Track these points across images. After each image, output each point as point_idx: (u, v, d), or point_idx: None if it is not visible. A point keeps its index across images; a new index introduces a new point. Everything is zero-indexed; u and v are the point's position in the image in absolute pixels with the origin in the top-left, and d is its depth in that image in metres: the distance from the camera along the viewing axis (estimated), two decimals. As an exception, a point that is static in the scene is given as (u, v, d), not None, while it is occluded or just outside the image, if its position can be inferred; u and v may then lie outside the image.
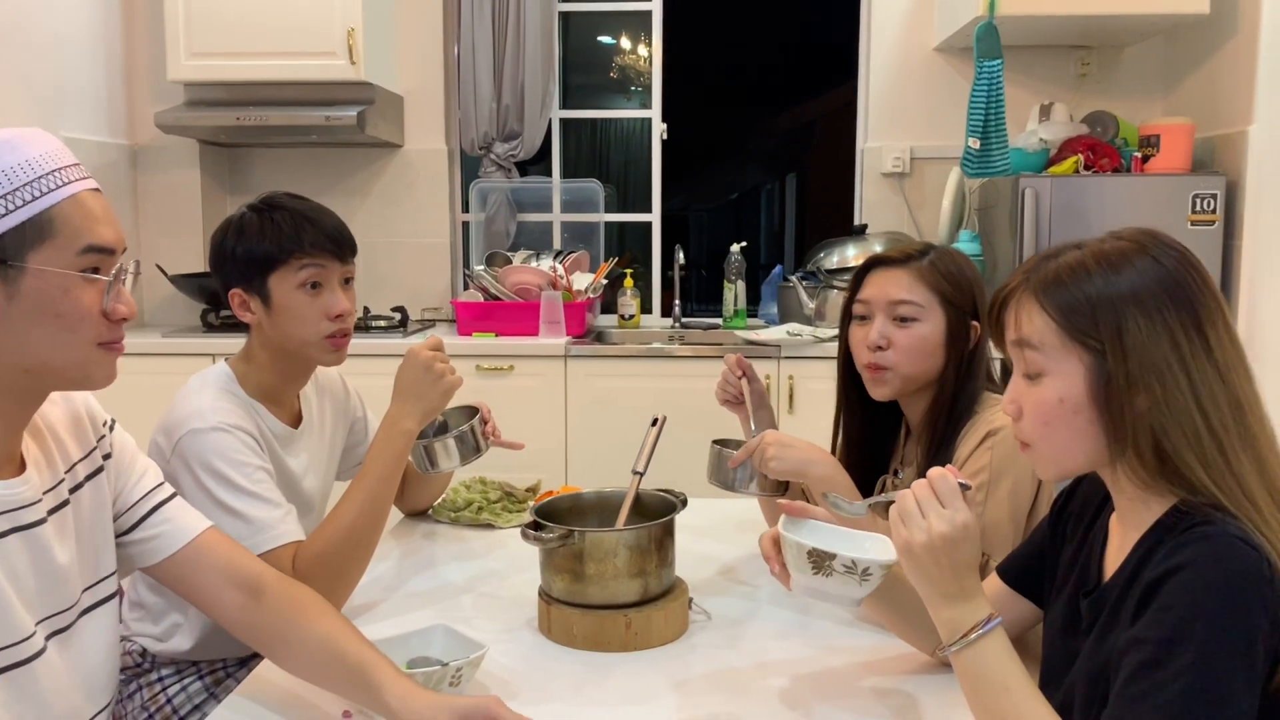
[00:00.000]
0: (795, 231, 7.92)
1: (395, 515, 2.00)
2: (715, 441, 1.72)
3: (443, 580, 1.70)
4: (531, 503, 1.86)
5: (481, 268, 3.75)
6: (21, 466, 1.09)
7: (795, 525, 1.23)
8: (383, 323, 3.68)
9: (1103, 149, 3.28)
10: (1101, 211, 3.17)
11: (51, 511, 1.11)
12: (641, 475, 1.59)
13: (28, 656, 1.04)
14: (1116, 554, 1.11)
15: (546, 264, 3.75)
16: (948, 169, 3.65)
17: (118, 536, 1.23)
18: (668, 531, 1.49)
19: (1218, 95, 3.32)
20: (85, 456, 1.19)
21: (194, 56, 3.54)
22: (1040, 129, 3.41)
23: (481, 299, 3.67)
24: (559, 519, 1.53)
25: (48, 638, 1.08)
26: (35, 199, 0.99)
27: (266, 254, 1.56)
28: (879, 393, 1.63)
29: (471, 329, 3.57)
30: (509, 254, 3.88)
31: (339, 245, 1.61)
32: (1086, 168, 3.26)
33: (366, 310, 3.77)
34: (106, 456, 1.23)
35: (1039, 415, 1.06)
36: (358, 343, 3.47)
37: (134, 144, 3.83)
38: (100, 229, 1.04)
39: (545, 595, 1.48)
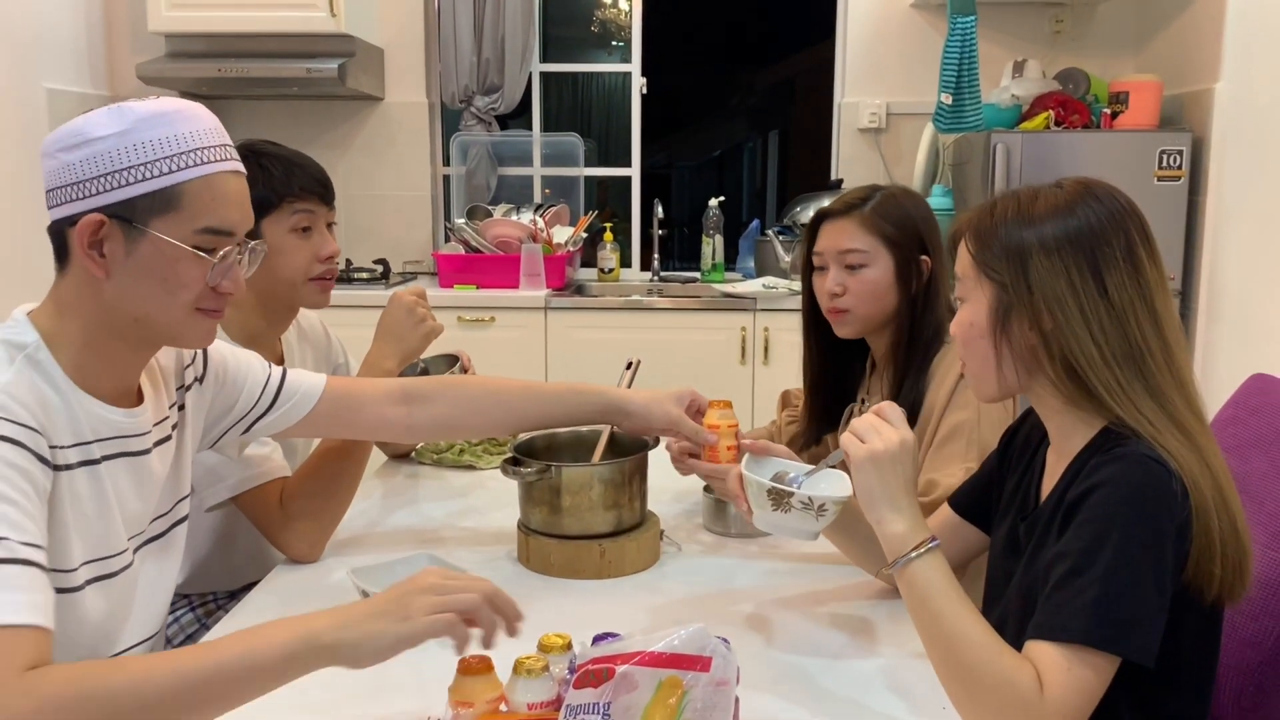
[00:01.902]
0: (777, 187, 7.96)
1: (379, 457, 2.07)
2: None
3: (425, 516, 1.77)
4: (512, 442, 1.93)
5: (462, 221, 3.79)
6: (139, 399, 1.20)
7: (758, 464, 1.32)
8: (365, 275, 3.72)
9: (1073, 105, 3.34)
10: (1071, 167, 3.22)
11: (157, 443, 1.22)
12: (616, 415, 1.66)
13: (121, 568, 1.17)
14: (1050, 479, 1.22)
15: (527, 218, 3.79)
16: (923, 124, 3.70)
17: (258, 419, 1.41)
18: (640, 467, 1.57)
19: (1186, 53, 3.38)
20: (181, 386, 1.31)
21: (175, 7, 3.54)
22: (1013, 85, 3.47)
23: (463, 252, 3.71)
24: (536, 455, 1.60)
25: (135, 551, 1.20)
26: (170, 172, 1.08)
27: (261, 198, 1.60)
28: (844, 332, 1.75)
29: (453, 281, 3.62)
30: (489, 207, 3.92)
31: (326, 189, 1.69)
32: (1057, 124, 3.33)
33: (349, 262, 3.81)
34: (199, 379, 1.33)
35: (959, 336, 1.20)
36: (340, 294, 3.51)
37: (115, 95, 3.83)
38: (224, 211, 1.12)
39: (524, 527, 1.56)
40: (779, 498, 1.21)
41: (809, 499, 1.20)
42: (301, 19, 3.53)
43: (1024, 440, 1.33)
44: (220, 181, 1.12)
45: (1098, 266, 1.10)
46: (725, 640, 1.01)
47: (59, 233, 1.10)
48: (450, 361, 1.88)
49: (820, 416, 1.86)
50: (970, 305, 1.17)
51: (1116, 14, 3.78)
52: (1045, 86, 3.47)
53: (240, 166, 1.16)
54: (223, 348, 1.38)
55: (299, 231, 1.65)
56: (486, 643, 1.01)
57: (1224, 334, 3.15)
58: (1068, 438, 1.17)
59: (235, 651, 0.95)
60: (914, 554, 1.10)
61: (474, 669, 1.00)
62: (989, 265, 1.13)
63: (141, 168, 1.07)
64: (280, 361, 1.77)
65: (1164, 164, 3.20)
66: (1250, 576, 1.12)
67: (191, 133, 1.10)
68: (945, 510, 1.42)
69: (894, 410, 1.18)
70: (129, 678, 0.92)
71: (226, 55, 3.58)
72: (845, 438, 1.17)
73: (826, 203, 3.63)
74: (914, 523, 1.13)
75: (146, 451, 1.19)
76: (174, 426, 1.27)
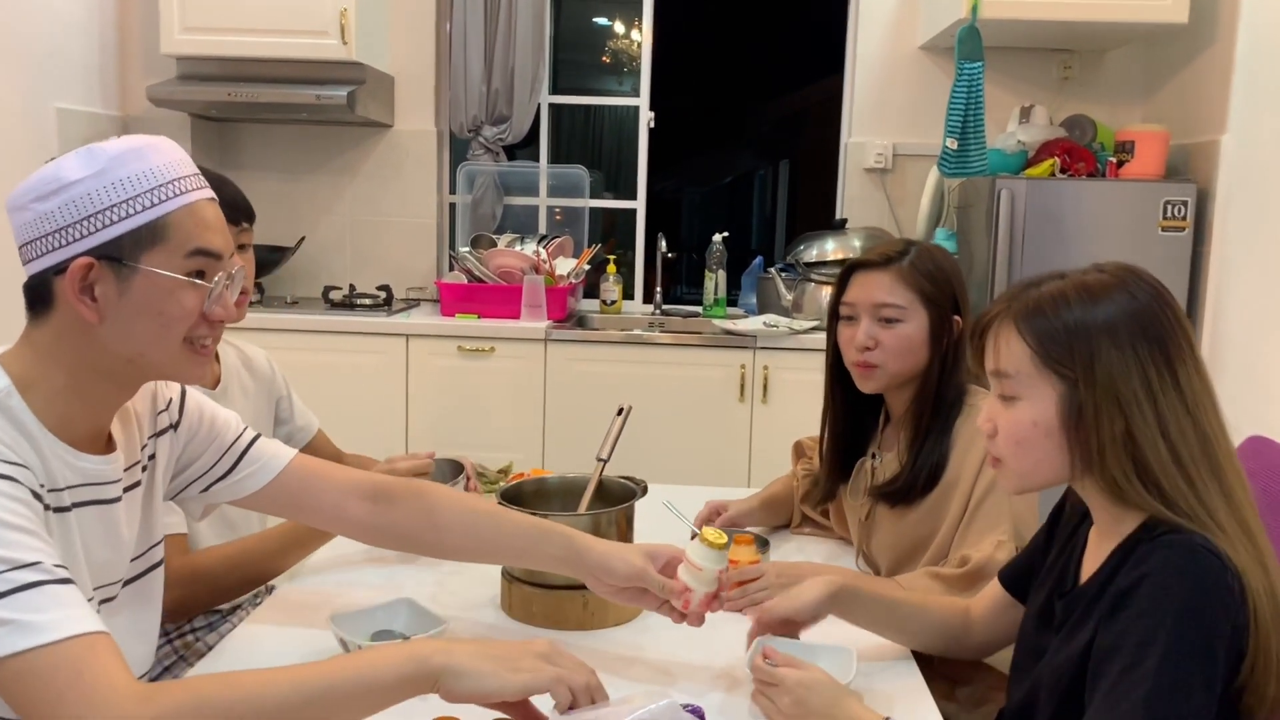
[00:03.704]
0: (786, 217, 7.96)
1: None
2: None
3: (408, 558, 1.75)
4: (503, 484, 1.92)
5: (466, 249, 3.80)
6: (109, 445, 1.18)
7: (770, 642, 1.32)
8: (367, 301, 3.73)
9: (1079, 153, 3.34)
10: (1076, 215, 3.24)
11: (126, 489, 1.20)
12: (605, 462, 1.65)
13: None
14: (1093, 561, 1.17)
15: (531, 248, 3.80)
16: (929, 166, 3.70)
17: (216, 481, 1.35)
18: (627, 517, 1.56)
19: (1193, 103, 3.38)
20: (156, 433, 1.28)
21: (187, 30, 3.56)
22: (1019, 131, 3.47)
23: (465, 280, 3.72)
24: (523, 502, 1.59)
25: (100, 604, 1.18)
26: (154, 205, 1.08)
27: None
28: (868, 387, 1.71)
29: (454, 310, 3.62)
30: (494, 236, 3.93)
31: (233, 210, 1.68)
32: (1062, 171, 3.32)
33: (352, 288, 3.81)
34: (173, 426, 1.31)
35: (1012, 436, 1.13)
36: (342, 320, 3.54)
37: (125, 116, 3.86)
38: (209, 235, 1.12)
39: (507, 574, 1.55)
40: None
41: None
42: (313, 45, 3.55)
43: (1069, 515, 1.29)
44: (201, 209, 1.12)
45: (1170, 358, 1.06)
46: (698, 709, 1.00)
47: (41, 283, 1.09)
48: (455, 469, 1.89)
49: (842, 471, 1.82)
50: (1029, 404, 1.10)
51: (1125, 62, 3.79)
52: (1052, 133, 3.47)
53: (213, 194, 1.16)
54: (203, 401, 1.36)
55: None
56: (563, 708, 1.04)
57: (1226, 388, 3.10)
58: (1117, 521, 1.12)
59: (350, 669, 0.99)
60: None
61: (444, 731, 0.99)
62: (1057, 361, 1.08)
63: (124, 205, 1.06)
64: (216, 382, 1.77)
65: (1168, 214, 3.19)
66: None
67: (165, 165, 1.10)
68: (995, 587, 1.40)
69: (762, 673, 1.17)
70: (246, 690, 0.95)
71: (237, 79, 3.60)
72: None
73: (830, 243, 3.70)
74: None
75: (117, 500, 1.18)
76: (144, 470, 1.25)
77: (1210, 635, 0.99)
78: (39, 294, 1.10)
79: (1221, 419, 1.09)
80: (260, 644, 1.42)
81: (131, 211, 1.07)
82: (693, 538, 1.35)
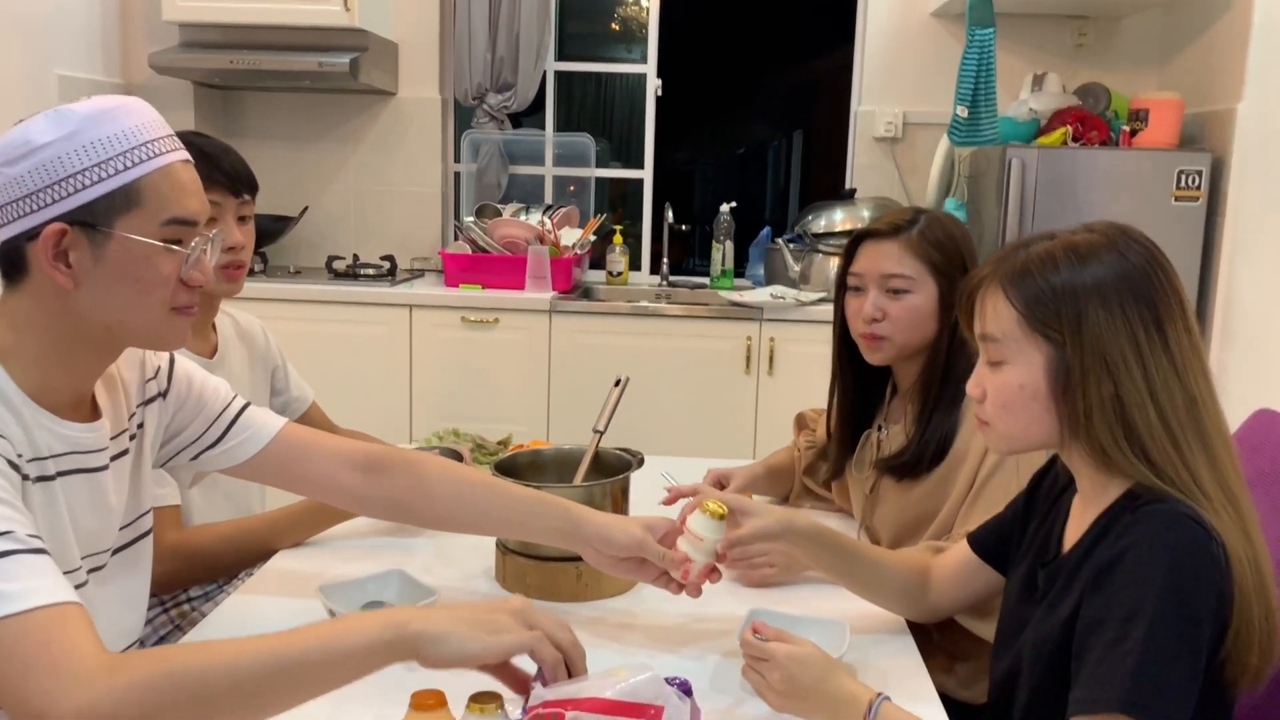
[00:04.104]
0: (800, 189, 7.89)
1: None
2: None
3: (402, 529, 1.74)
4: (501, 455, 1.91)
5: (471, 219, 3.77)
6: (94, 412, 1.16)
7: (762, 615, 1.32)
8: (371, 271, 3.71)
9: (1092, 121, 3.28)
10: (1088, 184, 3.19)
11: (114, 458, 1.18)
12: (601, 434, 1.63)
13: (75, 586, 1.12)
14: (1075, 529, 1.16)
15: (536, 218, 3.77)
16: (939, 135, 3.65)
17: (205, 450, 1.34)
18: (622, 489, 1.54)
19: (1209, 71, 3.31)
20: (144, 402, 1.26)
21: (189, -3, 3.53)
22: (1031, 99, 3.42)
23: (470, 251, 3.69)
24: (518, 474, 1.58)
25: (89, 572, 1.17)
26: (127, 169, 1.04)
27: None
28: (876, 358, 1.67)
29: (458, 280, 3.60)
30: (499, 206, 3.90)
31: (233, 181, 1.67)
32: (1075, 140, 3.27)
33: (356, 258, 3.79)
34: (162, 394, 1.29)
35: (999, 399, 1.11)
36: (346, 290, 3.52)
37: (128, 84, 3.83)
38: (186, 201, 1.09)
39: (501, 546, 1.53)
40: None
41: None
42: (316, 12, 3.50)
43: (1050, 484, 1.28)
44: (176, 172, 1.09)
45: (1159, 319, 1.04)
46: (684, 683, 0.99)
47: (14, 249, 1.06)
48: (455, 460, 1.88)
49: (850, 444, 1.79)
50: (1017, 367, 1.09)
51: (1141, 28, 3.71)
52: (1064, 101, 3.42)
53: (189, 155, 1.13)
54: (192, 369, 1.35)
55: None
56: (548, 678, 1.01)
57: (1237, 360, 3.09)
58: (1101, 489, 1.11)
59: (325, 637, 0.96)
60: (871, 713, 1.07)
61: (427, 705, 0.98)
62: (1044, 324, 1.06)
63: (95, 169, 1.03)
64: (213, 352, 1.76)
65: (1182, 184, 3.14)
66: (1276, 658, 1.06)
67: (139, 126, 1.06)
68: (963, 549, 1.38)
69: (752, 648, 1.15)
70: (218, 659, 0.92)
71: (240, 47, 3.56)
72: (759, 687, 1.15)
73: (839, 213, 3.65)
74: (852, 705, 1.09)
75: (104, 468, 1.16)
76: (132, 439, 1.24)
77: (1196, 606, 0.98)
78: (12, 261, 1.07)
79: (1210, 382, 1.07)
80: (253, 613, 1.41)
81: (104, 175, 1.03)
82: (689, 510, 1.33)
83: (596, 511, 1.37)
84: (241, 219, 1.71)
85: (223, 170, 1.66)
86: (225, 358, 1.79)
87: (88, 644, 0.91)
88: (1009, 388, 1.09)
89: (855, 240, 1.69)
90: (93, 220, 1.04)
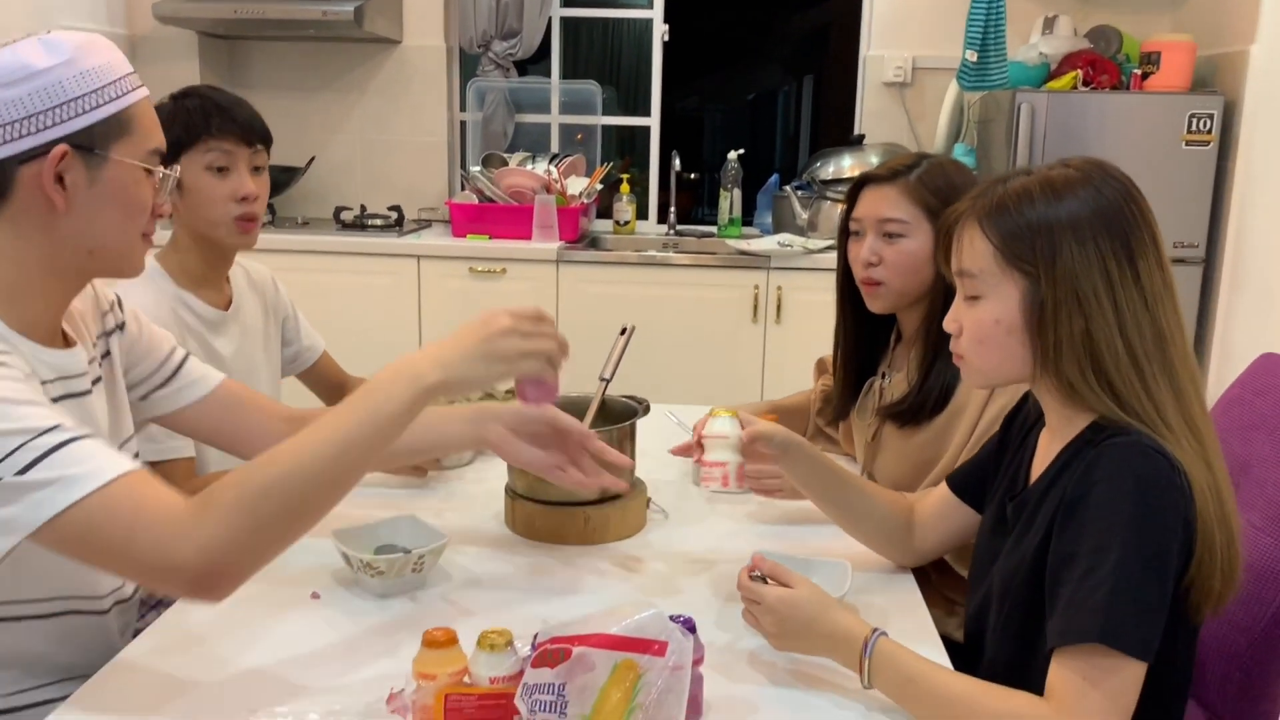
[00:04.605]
0: (810, 135, 7.82)
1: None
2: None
3: (417, 478, 1.77)
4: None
5: (477, 169, 3.76)
6: (68, 341, 1.21)
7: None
8: (379, 221, 3.71)
9: (1103, 65, 3.25)
10: (1098, 129, 3.16)
11: (94, 382, 1.23)
12: (608, 382, 1.65)
13: None
14: (1041, 462, 1.19)
15: (542, 167, 3.76)
16: (949, 80, 3.62)
17: (154, 390, 1.37)
18: (629, 436, 1.56)
19: (1222, 12, 3.27)
20: (104, 333, 1.31)
21: (191, -55, 3.50)
22: (1041, 42, 3.38)
23: (476, 201, 3.69)
24: (525, 420, 1.60)
25: None
26: (120, 96, 1.11)
27: (175, 138, 1.63)
28: (875, 306, 1.68)
29: (465, 230, 3.60)
30: (506, 155, 3.88)
31: (247, 131, 1.69)
32: (1085, 84, 3.24)
33: (363, 208, 3.80)
34: (120, 326, 1.34)
35: (975, 334, 1.13)
36: (353, 241, 3.53)
37: (131, 34, 3.81)
38: (158, 132, 1.16)
39: (511, 491, 1.56)
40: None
41: None
42: (318, -41, 3.47)
43: (1022, 421, 1.31)
44: (149, 105, 1.16)
45: (1132, 253, 1.06)
46: (688, 621, 1.01)
47: (1, 172, 1.07)
48: None
49: (854, 390, 1.80)
50: (993, 301, 1.10)
51: (1155, -32, 3.65)
52: (1075, 44, 3.38)
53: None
54: (139, 311, 1.39)
55: (214, 170, 1.67)
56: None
57: (1245, 304, 3.09)
58: (1067, 422, 1.13)
59: (363, 412, 1.07)
60: (867, 663, 1.08)
61: (438, 642, 1.01)
62: (1020, 258, 1.07)
63: (94, 94, 1.08)
64: (229, 304, 1.79)
65: (1193, 128, 3.11)
66: (1238, 584, 1.10)
67: (119, 60, 1.12)
68: (943, 489, 1.41)
69: (746, 591, 1.17)
70: (284, 463, 1.02)
71: (243, -4, 3.54)
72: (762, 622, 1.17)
73: (847, 160, 3.63)
74: (849, 639, 1.11)
75: (88, 392, 1.20)
76: (101, 364, 1.28)
77: (1163, 535, 1.01)
78: None
79: (1179, 317, 1.09)
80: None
81: (102, 101, 1.09)
82: (701, 426, 1.39)
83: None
84: (256, 169, 1.73)
85: (235, 119, 1.68)
86: (239, 309, 1.81)
87: (170, 496, 0.99)
88: (984, 322, 1.11)
89: (856, 186, 1.69)
90: (91, 144, 1.09)
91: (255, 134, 1.71)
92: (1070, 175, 1.09)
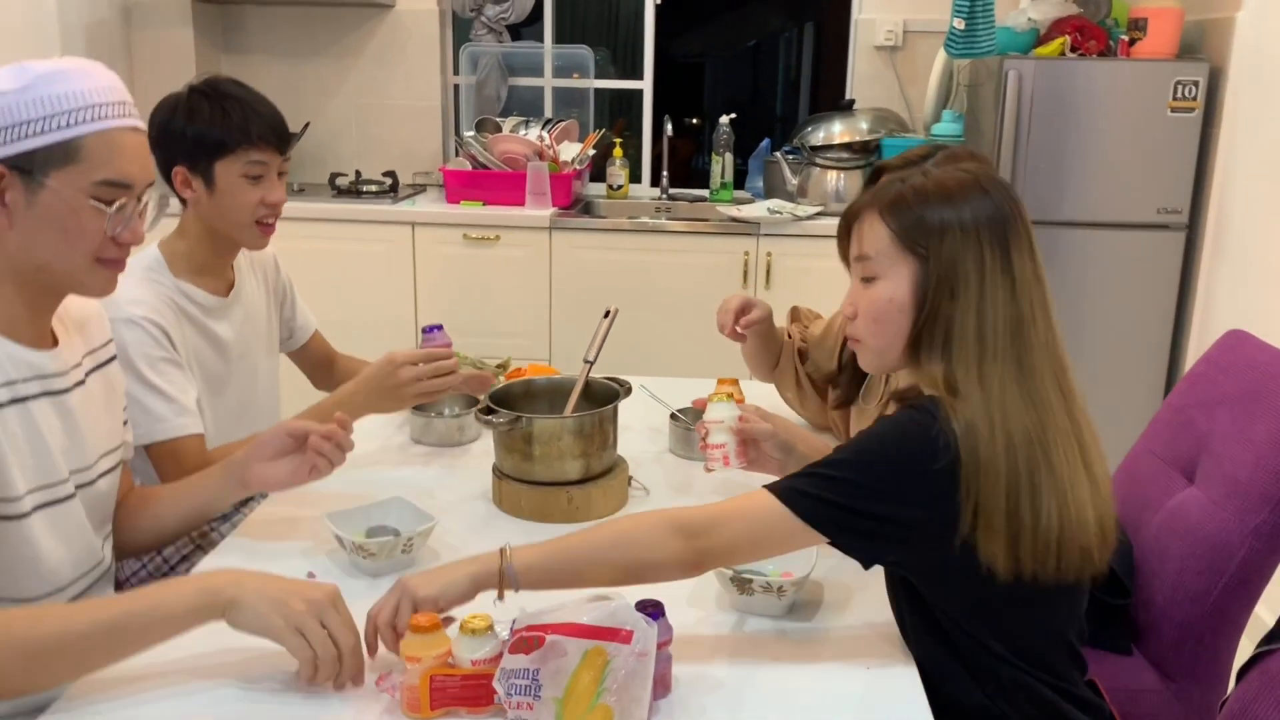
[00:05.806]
0: (810, 86, 7.75)
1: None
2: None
3: (406, 451, 1.85)
4: (501, 379, 1.99)
5: (471, 134, 3.79)
6: (54, 343, 1.28)
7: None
8: (374, 187, 3.75)
9: (1091, 30, 3.26)
10: (1086, 95, 3.18)
11: (77, 384, 1.30)
12: (591, 364, 1.72)
13: (65, 496, 1.27)
14: None
15: (535, 132, 3.78)
16: (939, 44, 3.62)
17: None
18: (610, 417, 1.63)
19: (1212, -23, 3.27)
20: (91, 351, 1.38)
21: (181, -90, 3.50)
22: (1030, 8, 3.39)
23: (470, 167, 3.72)
24: (511, 404, 1.66)
25: (77, 487, 1.29)
26: (69, 126, 1.15)
27: (218, 140, 1.68)
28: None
29: (459, 197, 3.64)
30: (499, 120, 3.91)
31: (282, 140, 1.74)
32: (1073, 50, 3.25)
33: (358, 174, 3.83)
34: (113, 358, 1.42)
35: (870, 313, 1.24)
36: (348, 208, 3.57)
37: (126, 1, 3.82)
38: (123, 165, 1.19)
39: (498, 471, 1.63)
40: (742, 584, 1.31)
41: (768, 584, 1.30)
42: (309, -75, 3.47)
43: None
44: (118, 137, 1.19)
45: (1007, 245, 1.18)
46: (656, 607, 1.09)
47: None
48: (468, 403, 1.97)
49: (860, 376, 1.80)
50: (888, 282, 1.21)
51: (1147, -70, 3.64)
52: (1064, 9, 3.38)
53: (140, 124, 1.23)
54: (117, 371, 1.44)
55: (250, 178, 1.71)
56: (311, 679, 1.09)
57: (1225, 277, 3.13)
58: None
59: (148, 603, 1.08)
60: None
61: (423, 628, 1.08)
62: (916, 242, 1.19)
63: (40, 122, 1.14)
64: (231, 287, 1.84)
65: (1179, 95, 3.13)
66: (1101, 563, 1.19)
67: (89, 90, 1.16)
68: None
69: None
70: (51, 625, 1.05)
71: (234, -39, 3.54)
72: None
73: (837, 125, 3.65)
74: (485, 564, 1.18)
75: (68, 390, 1.27)
76: (88, 373, 1.34)
77: (889, 469, 1.14)
78: None
79: (1046, 307, 1.19)
80: (269, 533, 1.52)
81: (47, 129, 1.14)
82: (672, 418, 1.46)
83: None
84: (280, 174, 1.78)
85: (272, 127, 1.72)
86: (240, 293, 1.86)
87: None
88: (879, 301, 1.22)
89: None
90: (29, 167, 1.15)
91: (286, 140, 1.76)
92: (963, 178, 1.21)
